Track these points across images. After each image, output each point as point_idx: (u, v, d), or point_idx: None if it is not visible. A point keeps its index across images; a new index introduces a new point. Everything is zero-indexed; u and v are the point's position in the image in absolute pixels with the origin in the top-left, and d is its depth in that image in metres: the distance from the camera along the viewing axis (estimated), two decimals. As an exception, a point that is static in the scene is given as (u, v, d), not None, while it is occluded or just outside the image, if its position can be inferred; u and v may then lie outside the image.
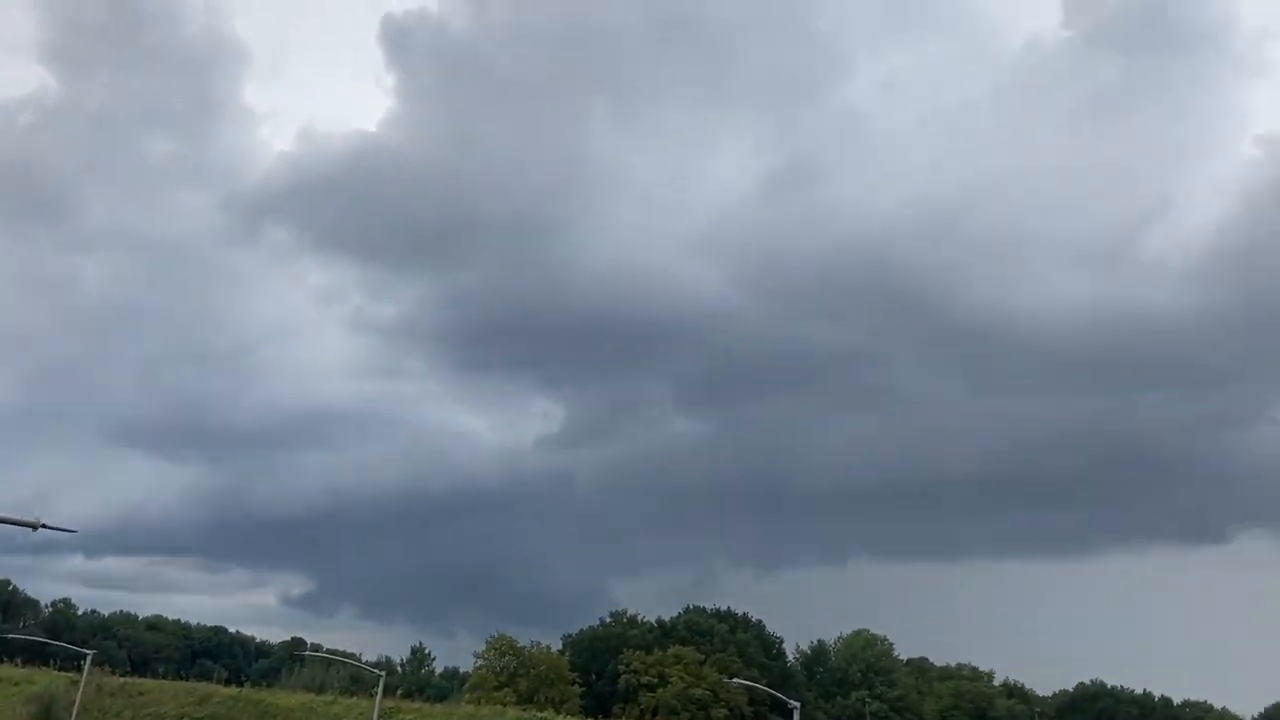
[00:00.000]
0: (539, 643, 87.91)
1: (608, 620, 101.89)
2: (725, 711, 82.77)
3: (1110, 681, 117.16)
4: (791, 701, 42.50)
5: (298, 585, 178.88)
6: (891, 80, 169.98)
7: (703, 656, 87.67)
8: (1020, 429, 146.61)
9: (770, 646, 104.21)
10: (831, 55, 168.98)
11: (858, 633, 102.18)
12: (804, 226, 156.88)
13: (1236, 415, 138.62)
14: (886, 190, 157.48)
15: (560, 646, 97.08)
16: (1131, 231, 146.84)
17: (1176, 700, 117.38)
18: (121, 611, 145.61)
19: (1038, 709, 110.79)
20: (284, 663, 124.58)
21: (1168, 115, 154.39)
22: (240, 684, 70.39)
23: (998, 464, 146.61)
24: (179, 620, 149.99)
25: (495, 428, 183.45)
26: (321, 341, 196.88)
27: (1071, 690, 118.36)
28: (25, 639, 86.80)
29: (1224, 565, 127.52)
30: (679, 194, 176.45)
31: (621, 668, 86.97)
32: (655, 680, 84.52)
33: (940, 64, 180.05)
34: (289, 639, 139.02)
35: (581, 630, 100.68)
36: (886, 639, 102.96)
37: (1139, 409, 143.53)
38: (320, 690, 69.79)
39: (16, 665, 69.82)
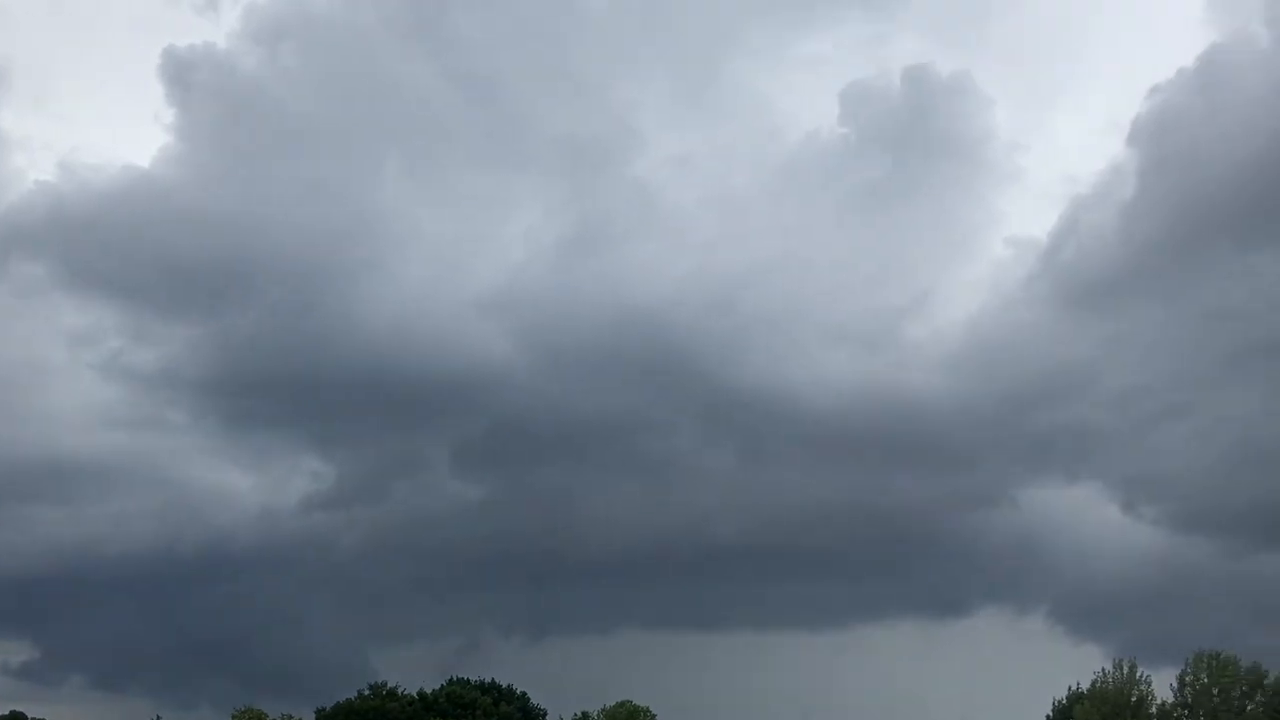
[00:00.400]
0: (290, 716, 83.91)
1: (366, 692, 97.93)
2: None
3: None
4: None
5: (19, 653, 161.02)
6: (682, 158, 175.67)
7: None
8: (787, 501, 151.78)
9: (535, 719, 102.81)
10: (626, 128, 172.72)
11: (621, 703, 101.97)
12: (592, 294, 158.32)
13: (982, 497, 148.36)
14: (672, 263, 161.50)
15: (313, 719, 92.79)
16: (894, 319, 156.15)
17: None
18: None
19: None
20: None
21: (930, 213, 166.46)
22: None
23: (764, 535, 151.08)
24: None
25: (259, 486, 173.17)
26: (71, 386, 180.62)
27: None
28: None
29: (966, 638, 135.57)
30: (469, 253, 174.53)
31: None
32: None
33: (727, 147, 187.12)
34: (6, 714, 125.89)
35: (337, 702, 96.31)
36: (649, 710, 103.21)
37: (895, 487, 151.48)
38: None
39: None
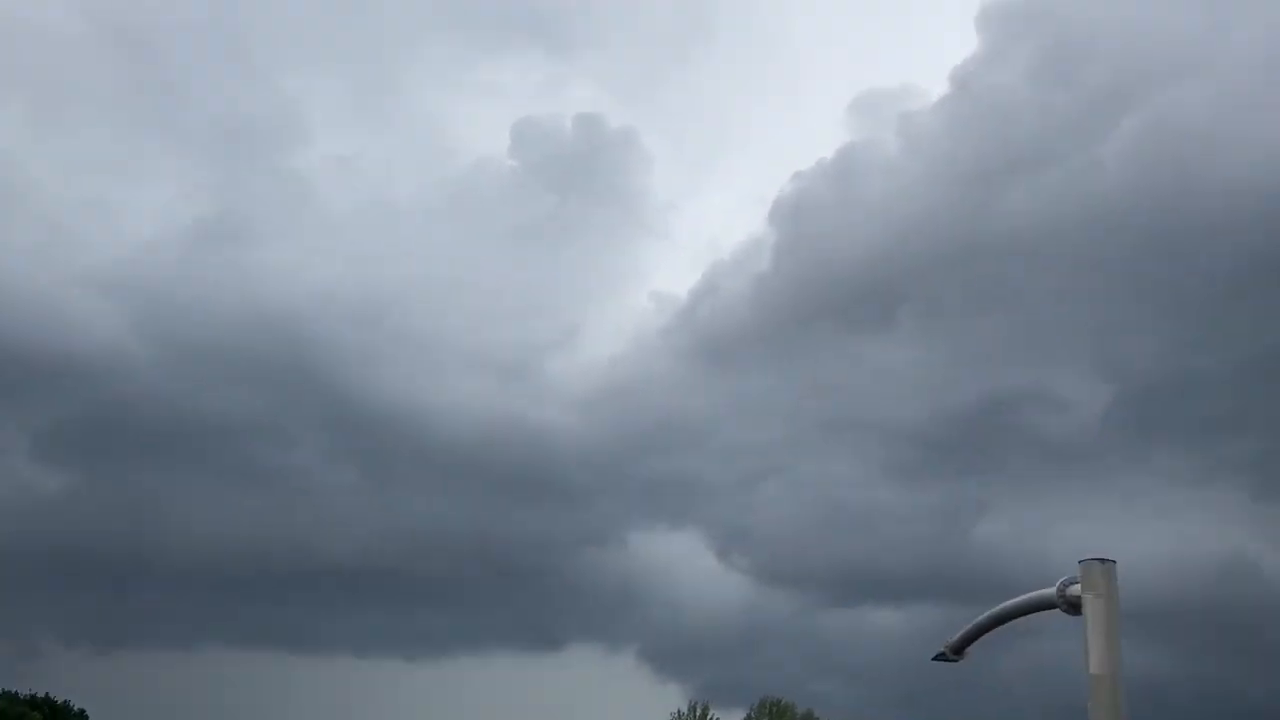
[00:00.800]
0: None
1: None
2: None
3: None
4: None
5: None
6: (345, 159, 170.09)
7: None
8: (403, 525, 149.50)
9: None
10: (290, 118, 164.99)
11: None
12: (226, 286, 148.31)
13: (594, 535, 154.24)
14: (318, 267, 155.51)
15: None
16: (538, 354, 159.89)
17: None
18: None
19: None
20: None
21: (584, 256, 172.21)
22: None
23: (375, 558, 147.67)
24: None
25: None
26: None
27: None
28: None
29: (559, 673, 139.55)
30: (89, 223, 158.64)
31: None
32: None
33: (396, 160, 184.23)
34: None
35: None
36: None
37: (513, 519, 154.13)
38: None
39: None
